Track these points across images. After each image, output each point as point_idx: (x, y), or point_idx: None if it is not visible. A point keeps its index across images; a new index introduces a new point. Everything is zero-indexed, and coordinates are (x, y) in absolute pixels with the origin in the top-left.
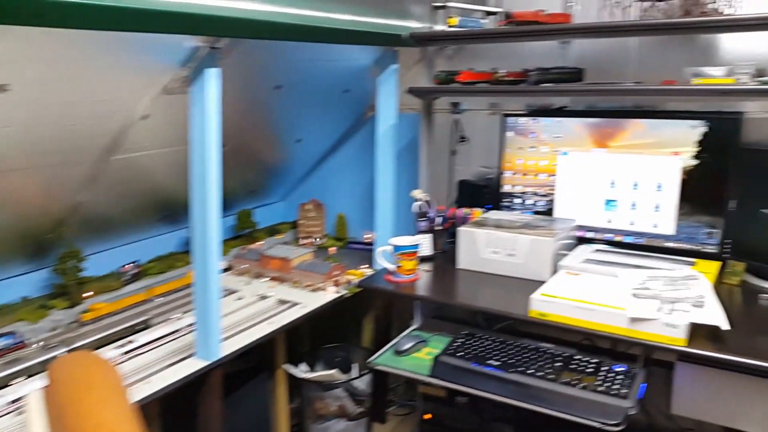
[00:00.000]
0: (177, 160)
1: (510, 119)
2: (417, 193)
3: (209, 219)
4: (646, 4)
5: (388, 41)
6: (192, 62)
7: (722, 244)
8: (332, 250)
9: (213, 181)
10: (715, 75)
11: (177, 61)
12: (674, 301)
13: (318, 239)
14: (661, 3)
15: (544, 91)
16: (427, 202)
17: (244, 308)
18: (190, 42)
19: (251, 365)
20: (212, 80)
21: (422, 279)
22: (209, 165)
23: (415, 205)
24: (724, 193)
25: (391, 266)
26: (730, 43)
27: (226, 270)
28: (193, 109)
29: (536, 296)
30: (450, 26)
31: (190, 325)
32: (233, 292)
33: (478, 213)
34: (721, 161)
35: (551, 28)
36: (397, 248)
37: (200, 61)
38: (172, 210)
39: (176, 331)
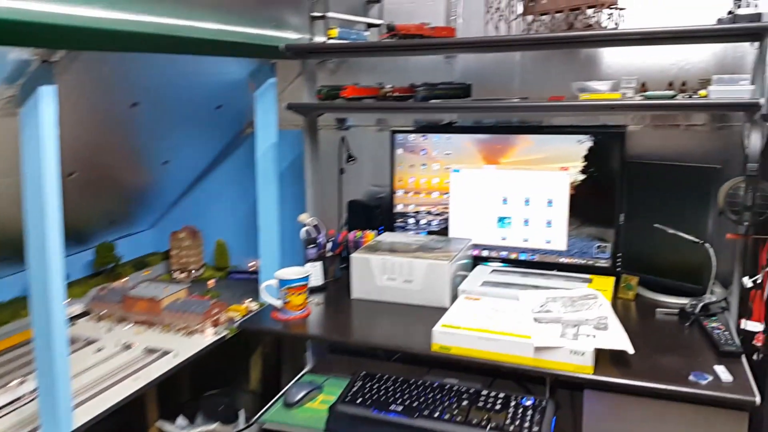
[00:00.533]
0: (9, 193)
1: (399, 136)
2: (304, 218)
3: (49, 258)
4: (529, 17)
5: (263, 53)
6: (21, 79)
7: (614, 258)
8: (211, 282)
9: (52, 213)
10: (600, 90)
11: (1, 77)
12: (577, 324)
13: (195, 271)
14: (545, 17)
15: (431, 108)
16: (315, 226)
17: (104, 362)
18: (17, 55)
19: (117, 427)
20: (47, 99)
21: (314, 314)
22: (47, 196)
23: (303, 231)
24: (613, 207)
25: (277, 302)
26: (614, 57)
27: (82, 315)
28: (25, 134)
29: (438, 329)
30: (330, 38)
31: (33, 391)
32: (91, 342)
33: (370, 236)
34: (608, 175)
35: (434, 42)
36: (283, 282)
37: (31, 77)
38: (15, 248)
39: (16, 399)
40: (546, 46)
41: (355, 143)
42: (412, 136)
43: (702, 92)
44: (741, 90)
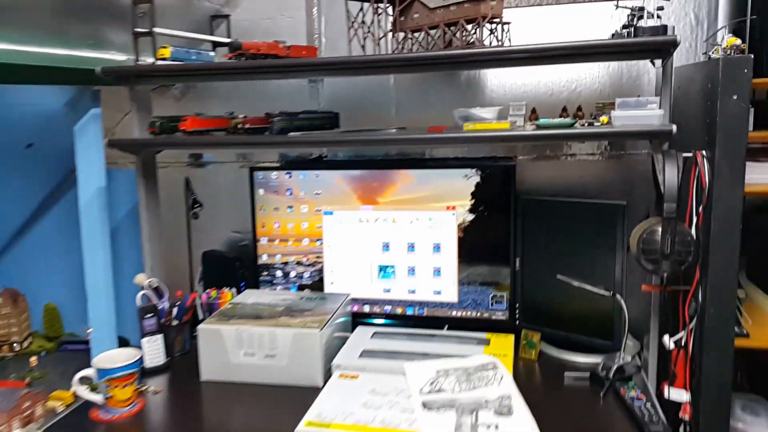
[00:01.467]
0: None
1: (259, 174)
2: (141, 279)
3: None
4: (400, 35)
5: (78, 79)
6: None
7: (512, 310)
8: (33, 360)
9: None
10: (486, 118)
11: None
12: (475, 409)
13: (18, 344)
14: (419, 34)
15: (289, 143)
16: (155, 289)
17: None
18: None
19: None
20: None
21: (149, 407)
22: None
23: (138, 297)
24: (507, 251)
25: (96, 398)
26: (499, 78)
27: None
28: None
29: (301, 429)
30: (160, 59)
31: None
32: None
33: (228, 295)
34: (500, 214)
35: (285, 63)
36: (102, 373)
37: None
38: None
39: None
40: (421, 67)
41: (213, 182)
42: (274, 174)
43: (603, 118)
44: (649, 115)
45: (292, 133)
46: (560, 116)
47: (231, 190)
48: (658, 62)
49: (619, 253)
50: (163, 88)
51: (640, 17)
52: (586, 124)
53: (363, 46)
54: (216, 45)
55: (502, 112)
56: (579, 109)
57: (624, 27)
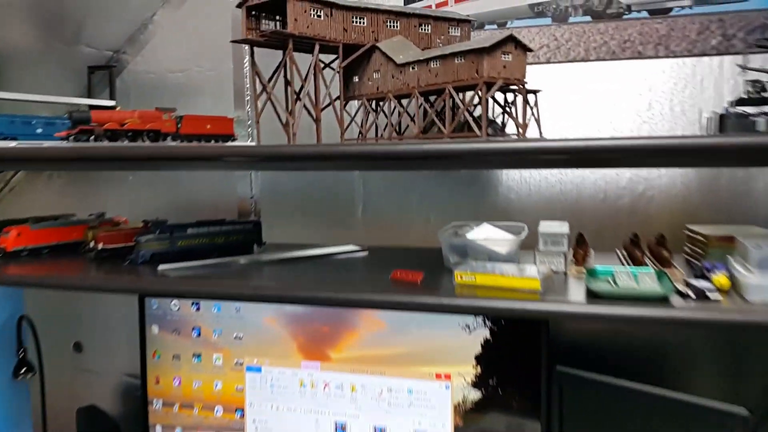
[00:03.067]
0: None
1: (153, 302)
2: None
3: None
4: (355, 104)
5: None
6: None
7: None
8: None
9: None
10: (496, 253)
11: None
12: None
13: None
14: (384, 103)
15: (126, 290)
16: None
17: None
18: None
19: None
20: None
21: None
22: None
23: None
24: None
25: None
26: (520, 171)
27: None
28: None
29: None
30: None
31: None
32: None
33: None
34: (521, 394)
35: (157, 153)
36: None
37: None
38: None
39: None
40: (383, 162)
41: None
42: (174, 304)
43: (720, 278)
44: None
45: (164, 267)
46: (627, 256)
47: (121, 319)
48: None
49: None
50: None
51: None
52: (690, 293)
53: (294, 136)
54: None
55: (522, 237)
56: (660, 242)
57: (739, 103)
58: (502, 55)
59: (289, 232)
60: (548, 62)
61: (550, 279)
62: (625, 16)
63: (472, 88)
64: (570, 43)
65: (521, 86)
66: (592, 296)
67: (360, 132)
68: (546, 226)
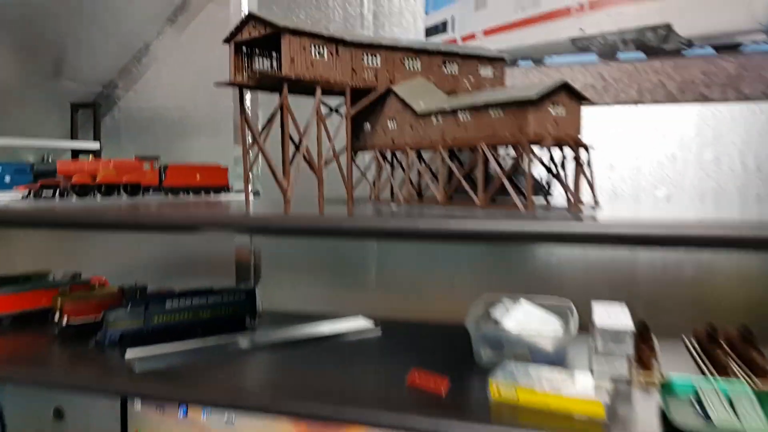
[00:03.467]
0: None
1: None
2: None
3: None
4: (367, 156)
5: None
6: None
7: None
8: None
9: None
10: (541, 350)
11: None
12: None
13: None
14: (402, 155)
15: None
16: None
17: None
18: None
19: None
20: None
21: None
22: None
23: None
24: None
25: None
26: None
27: None
28: None
29: None
30: None
31: None
32: None
33: None
34: None
35: (128, 220)
36: None
37: None
38: None
39: None
40: (397, 237)
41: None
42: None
43: None
44: None
45: (132, 354)
46: (702, 353)
47: None
48: None
49: None
50: None
51: None
52: None
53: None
54: (76, 153)
55: (572, 328)
56: (746, 337)
57: None
58: (552, 108)
59: (292, 292)
60: (594, 105)
61: (614, 396)
62: (685, 53)
63: (514, 145)
64: (620, 83)
65: (576, 146)
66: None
67: (371, 190)
68: (603, 317)
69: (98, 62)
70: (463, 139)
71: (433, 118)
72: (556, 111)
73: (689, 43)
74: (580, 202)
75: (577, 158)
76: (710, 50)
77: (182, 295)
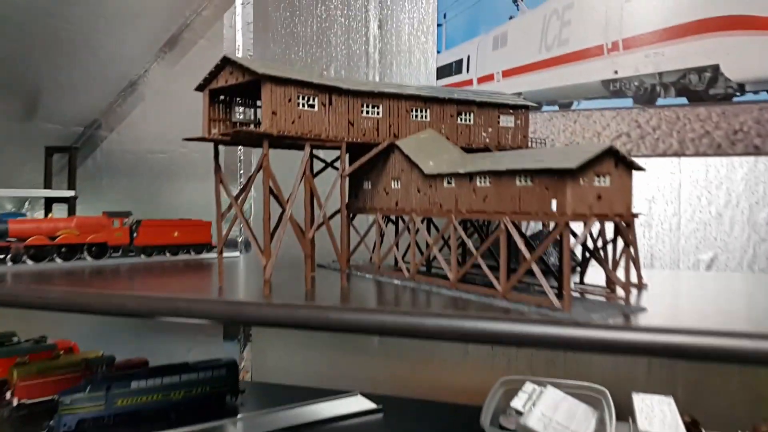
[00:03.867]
0: None
1: None
2: None
3: None
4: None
5: None
6: None
7: None
8: None
9: None
10: None
11: None
12: None
13: None
14: (405, 222)
15: None
16: None
17: None
18: None
19: None
20: None
21: None
22: None
23: None
24: None
25: None
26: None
27: None
28: None
29: None
30: None
31: None
32: None
33: None
34: None
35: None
36: None
37: None
38: None
39: None
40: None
41: None
42: None
43: None
44: None
45: None
46: None
47: None
48: None
49: None
50: None
51: None
52: None
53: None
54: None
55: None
56: None
57: None
58: (597, 179)
59: (284, 355)
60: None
61: None
62: (736, 99)
63: (543, 223)
64: (659, 131)
65: (624, 224)
66: None
67: (371, 258)
68: (648, 418)
69: (79, 101)
70: (481, 211)
71: (445, 181)
72: (600, 182)
73: (741, 88)
74: (628, 291)
75: (626, 240)
76: (765, 95)
77: (151, 373)
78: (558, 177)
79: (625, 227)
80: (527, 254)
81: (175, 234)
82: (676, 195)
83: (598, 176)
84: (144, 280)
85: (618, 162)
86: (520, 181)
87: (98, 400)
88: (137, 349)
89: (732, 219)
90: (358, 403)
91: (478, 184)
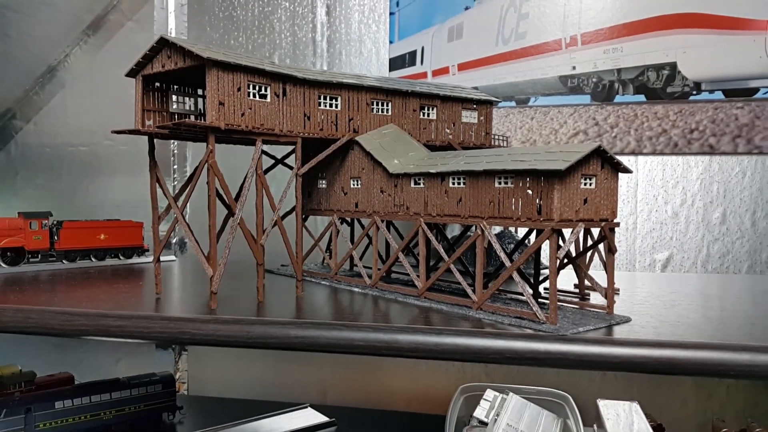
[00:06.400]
0: None
1: None
2: None
3: None
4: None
5: None
6: None
7: None
8: None
9: None
10: None
11: None
12: None
13: None
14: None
15: None
16: None
17: None
18: None
19: None
20: None
21: None
22: None
23: None
24: None
25: None
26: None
27: None
28: None
29: None
30: None
31: None
32: None
33: None
34: None
35: None
36: None
37: None
38: None
39: None
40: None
41: None
42: None
43: None
44: None
45: None
46: None
47: None
48: None
49: None
50: None
51: None
52: None
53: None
54: None
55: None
56: None
57: None
58: (583, 181)
59: (226, 367)
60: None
61: None
62: (692, 98)
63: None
64: (616, 129)
65: (609, 229)
66: None
67: (324, 260)
68: (614, 423)
69: None
70: (454, 215)
71: (412, 182)
72: (586, 185)
73: (697, 87)
74: (612, 300)
75: (610, 246)
76: (720, 95)
77: (78, 391)
78: (545, 179)
79: (610, 233)
80: (507, 262)
81: (102, 236)
82: (633, 194)
83: (585, 178)
84: (67, 290)
85: (604, 163)
86: (500, 182)
87: (15, 424)
88: (59, 361)
89: (687, 218)
90: (309, 417)
91: (450, 185)
